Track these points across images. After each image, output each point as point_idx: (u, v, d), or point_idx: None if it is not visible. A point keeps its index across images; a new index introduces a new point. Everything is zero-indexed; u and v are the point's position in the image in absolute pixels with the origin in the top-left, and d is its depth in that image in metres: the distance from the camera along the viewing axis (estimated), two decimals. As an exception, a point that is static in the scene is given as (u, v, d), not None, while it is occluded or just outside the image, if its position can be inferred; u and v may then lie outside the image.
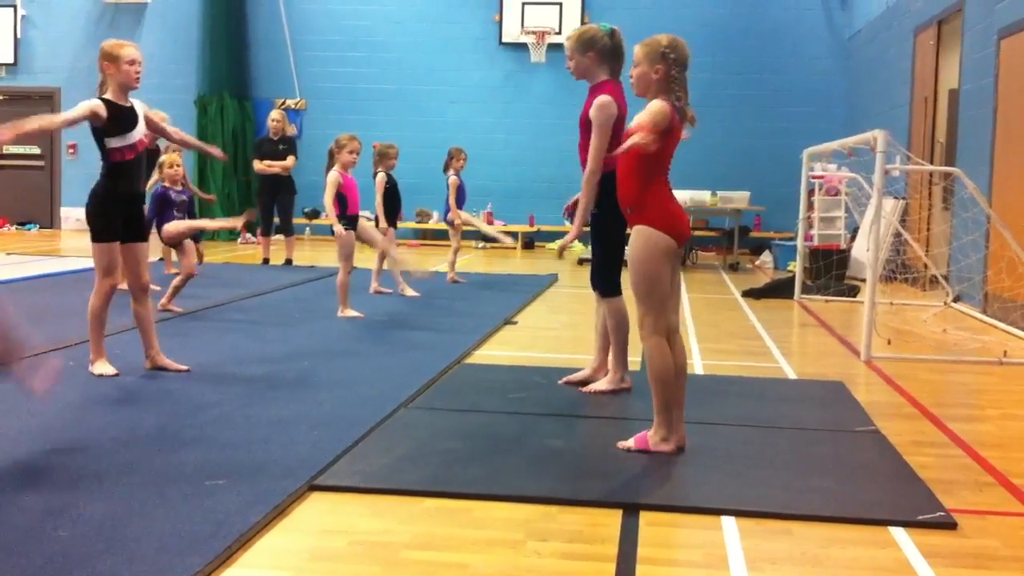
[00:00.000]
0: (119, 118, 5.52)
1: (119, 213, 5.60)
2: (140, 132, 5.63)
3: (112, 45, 5.61)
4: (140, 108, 5.70)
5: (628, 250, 4.44)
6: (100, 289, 5.63)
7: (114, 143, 5.51)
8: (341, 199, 7.97)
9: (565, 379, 5.82)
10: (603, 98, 5.26)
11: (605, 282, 5.58)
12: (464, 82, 16.93)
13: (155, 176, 8.52)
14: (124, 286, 8.97)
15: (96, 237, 5.58)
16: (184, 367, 5.84)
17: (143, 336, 5.84)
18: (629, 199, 4.45)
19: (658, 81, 4.36)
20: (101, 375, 5.61)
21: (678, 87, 4.35)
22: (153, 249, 9.50)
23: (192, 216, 8.88)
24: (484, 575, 3.12)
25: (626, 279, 4.70)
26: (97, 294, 5.63)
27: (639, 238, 4.37)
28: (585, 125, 5.39)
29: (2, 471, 3.89)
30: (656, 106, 4.26)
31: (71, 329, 6.67)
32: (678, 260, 4.48)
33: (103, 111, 5.45)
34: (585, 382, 5.73)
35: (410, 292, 9.41)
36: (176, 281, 8.05)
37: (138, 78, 5.61)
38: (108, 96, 5.55)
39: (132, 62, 5.56)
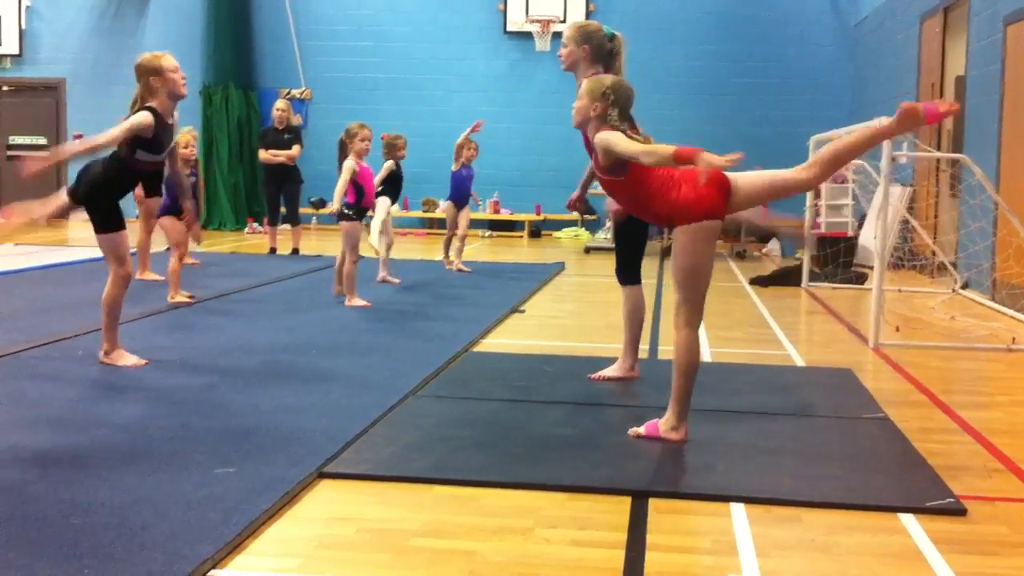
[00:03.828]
0: (159, 135, 5.42)
1: (117, 201, 5.59)
2: (166, 152, 5.59)
3: (151, 58, 5.47)
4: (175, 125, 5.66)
5: (673, 244, 4.40)
6: (118, 279, 5.54)
7: (144, 156, 5.42)
8: (358, 189, 7.97)
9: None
10: None
11: (621, 271, 5.58)
12: (469, 71, 16.91)
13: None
14: (147, 276, 9.03)
15: (105, 228, 5.51)
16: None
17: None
18: (654, 218, 4.45)
19: (596, 117, 4.41)
20: (134, 365, 5.58)
21: (616, 123, 4.37)
22: (157, 241, 9.57)
23: (196, 199, 8.86)
24: (493, 562, 3.12)
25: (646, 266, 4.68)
26: (115, 285, 5.54)
27: (682, 236, 4.29)
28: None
29: (13, 460, 3.90)
30: (610, 135, 4.29)
31: (80, 319, 6.68)
32: (748, 176, 4.41)
33: (150, 131, 5.33)
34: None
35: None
36: (171, 265, 7.97)
37: (185, 85, 5.52)
38: (156, 106, 5.40)
39: (176, 69, 5.47)
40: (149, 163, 5.52)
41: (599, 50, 5.28)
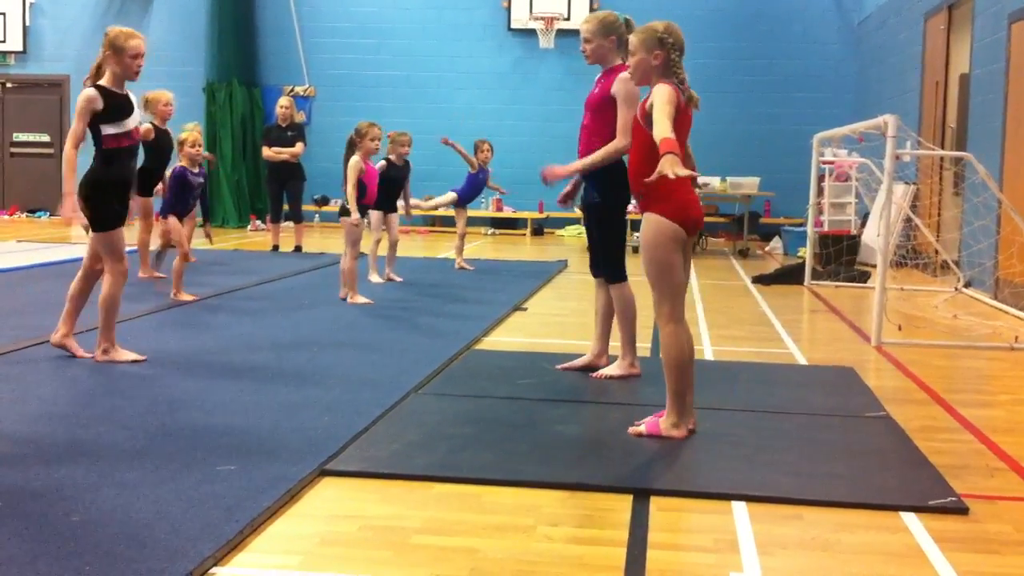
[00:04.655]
0: (114, 105, 5.46)
1: (115, 199, 5.58)
2: (135, 120, 5.58)
3: (118, 34, 5.51)
4: (133, 98, 5.66)
5: (640, 237, 4.43)
6: (116, 277, 5.57)
7: (109, 130, 5.46)
8: (361, 187, 7.96)
9: (564, 365, 5.82)
10: (627, 73, 5.25)
11: (610, 269, 5.59)
12: (473, 68, 16.90)
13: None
14: (150, 273, 9.03)
15: (99, 227, 5.53)
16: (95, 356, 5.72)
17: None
18: (641, 186, 4.43)
19: (658, 67, 4.35)
20: (133, 361, 5.60)
21: (679, 70, 4.34)
22: (153, 240, 9.57)
23: (204, 201, 8.83)
24: (494, 560, 3.12)
25: (635, 265, 4.69)
26: (114, 283, 5.57)
27: (648, 226, 4.35)
28: (595, 106, 5.40)
29: (14, 457, 3.91)
30: (664, 94, 4.23)
31: (83, 317, 6.66)
32: (688, 247, 4.47)
33: (99, 102, 5.40)
34: (587, 368, 5.73)
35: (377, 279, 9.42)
36: (175, 264, 7.98)
37: (139, 72, 5.54)
38: (104, 83, 5.48)
39: (136, 56, 5.49)
40: (124, 139, 5.51)
41: (621, 39, 5.30)
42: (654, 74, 4.37)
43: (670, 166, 3.89)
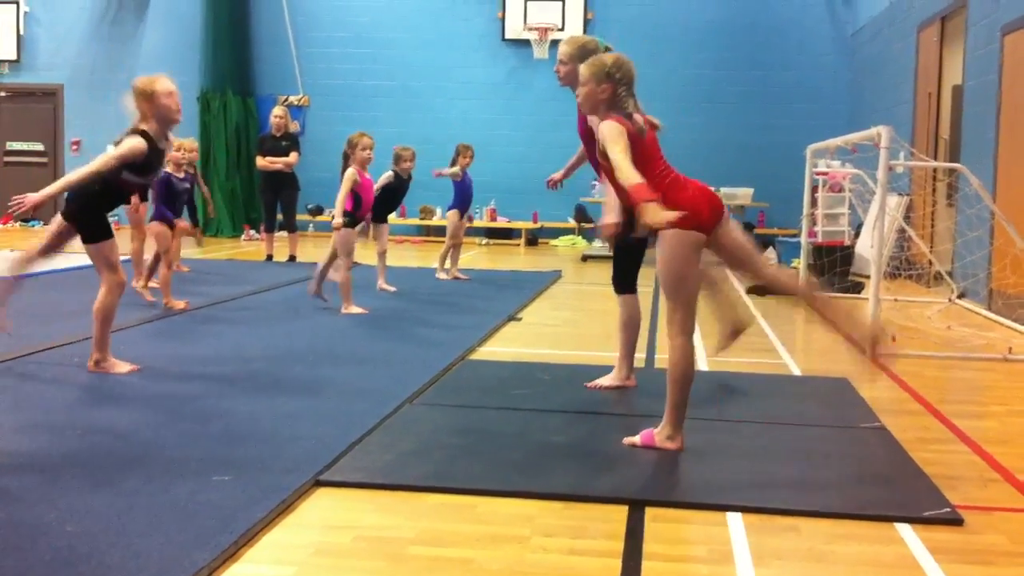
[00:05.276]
0: (151, 159, 5.40)
1: (106, 210, 5.60)
2: (155, 175, 5.60)
3: (145, 82, 5.41)
4: (170, 143, 5.64)
5: (657, 251, 4.39)
6: (113, 287, 5.55)
7: (130, 177, 5.42)
8: (356, 198, 7.96)
9: (592, 384, 5.67)
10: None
11: (617, 280, 5.58)
12: (467, 79, 16.93)
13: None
14: (148, 282, 9.01)
15: (94, 238, 5.50)
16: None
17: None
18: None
19: (605, 101, 4.36)
20: (129, 372, 5.58)
21: (626, 104, 4.34)
22: (148, 247, 9.55)
23: (192, 205, 8.83)
24: (489, 570, 3.11)
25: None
26: (109, 293, 5.55)
27: (664, 240, 4.27)
28: (585, 138, 5.38)
29: (9, 466, 3.90)
30: (611, 132, 4.20)
31: (76, 326, 6.67)
32: (726, 230, 4.40)
33: (143, 157, 5.31)
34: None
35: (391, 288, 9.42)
36: (161, 273, 7.97)
37: (179, 109, 5.46)
38: (148, 130, 5.37)
39: (169, 94, 5.40)
40: (136, 185, 5.54)
41: None
42: (602, 107, 4.38)
43: (653, 216, 3.94)
